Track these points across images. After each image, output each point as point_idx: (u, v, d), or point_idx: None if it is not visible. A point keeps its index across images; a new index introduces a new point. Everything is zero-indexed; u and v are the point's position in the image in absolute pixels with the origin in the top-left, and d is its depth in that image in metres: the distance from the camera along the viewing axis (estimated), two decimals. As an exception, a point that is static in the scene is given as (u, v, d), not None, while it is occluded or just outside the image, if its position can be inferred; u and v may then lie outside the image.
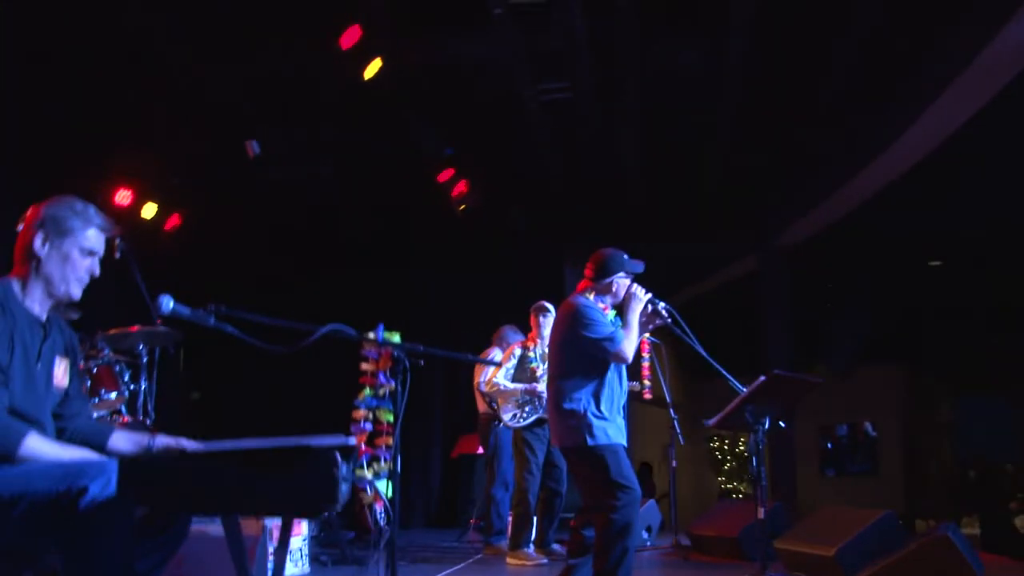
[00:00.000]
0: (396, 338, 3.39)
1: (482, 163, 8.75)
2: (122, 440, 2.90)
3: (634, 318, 4.46)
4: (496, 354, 7.10)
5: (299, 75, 7.09)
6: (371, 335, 3.17)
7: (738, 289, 11.22)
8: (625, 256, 4.62)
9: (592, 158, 8.94)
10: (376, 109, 7.23)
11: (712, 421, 4.31)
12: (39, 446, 2.49)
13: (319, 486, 2.01)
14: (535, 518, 6.60)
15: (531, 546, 6.51)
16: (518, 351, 6.73)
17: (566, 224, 10.07)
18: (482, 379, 6.82)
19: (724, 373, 4.47)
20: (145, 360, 6.27)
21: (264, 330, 2.88)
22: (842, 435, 14.09)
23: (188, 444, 2.82)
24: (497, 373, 6.65)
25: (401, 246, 9.95)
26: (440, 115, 7.89)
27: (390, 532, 3.07)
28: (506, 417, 6.59)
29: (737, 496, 15.13)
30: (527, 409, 6.53)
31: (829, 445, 14.09)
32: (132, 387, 6.08)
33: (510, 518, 6.93)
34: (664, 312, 4.54)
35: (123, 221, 7.33)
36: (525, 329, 7.07)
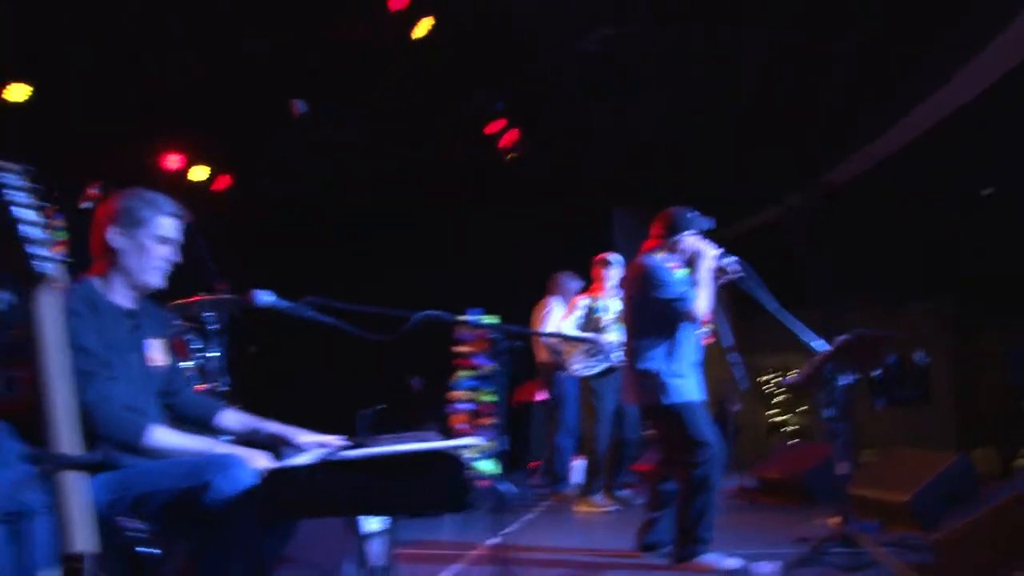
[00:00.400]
0: (492, 321, 3.44)
1: (531, 114, 8.64)
2: (231, 419, 3.00)
3: (704, 276, 4.45)
4: (556, 304, 7.14)
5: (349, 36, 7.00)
6: (465, 318, 3.22)
7: (783, 226, 11.12)
8: (693, 213, 4.59)
9: (639, 107, 8.79)
10: (428, 65, 7.16)
11: (790, 380, 4.34)
12: (164, 436, 2.58)
13: (450, 491, 2.04)
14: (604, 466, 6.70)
15: (600, 493, 6.63)
16: (584, 301, 6.75)
17: (615, 174, 9.98)
18: (546, 327, 6.87)
19: (801, 330, 4.46)
20: (214, 327, 6.36)
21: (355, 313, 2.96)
22: (892, 362, 14.03)
23: (298, 435, 2.89)
24: (565, 323, 6.70)
25: (447, 196, 9.91)
26: (488, 67, 7.78)
27: (498, 497, 3.14)
28: (575, 367, 6.63)
29: (787, 429, 15.20)
30: (594, 359, 6.58)
31: (879, 372, 14.04)
32: (203, 355, 6.18)
33: (573, 464, 7.04)
34: (733, 268, 4.53)
35: (175, 187, 7.40)
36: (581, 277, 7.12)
